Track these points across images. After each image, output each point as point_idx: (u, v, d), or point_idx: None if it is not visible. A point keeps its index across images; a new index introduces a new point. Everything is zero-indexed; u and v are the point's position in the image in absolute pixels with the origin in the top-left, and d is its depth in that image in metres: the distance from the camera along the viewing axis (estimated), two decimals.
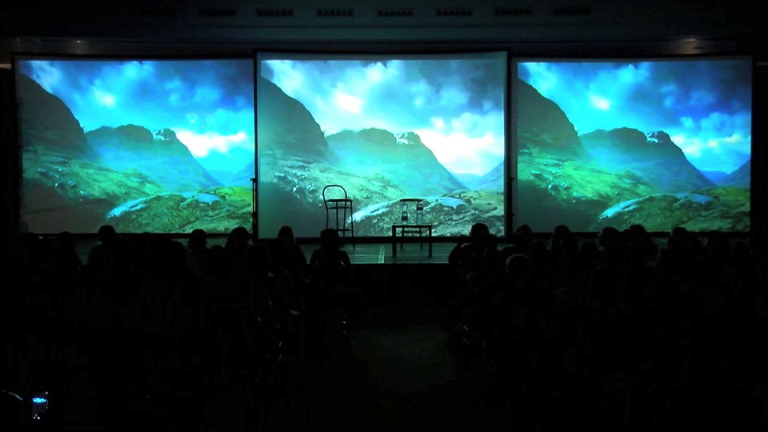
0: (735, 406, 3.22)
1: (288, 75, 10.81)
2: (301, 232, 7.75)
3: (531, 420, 3.94)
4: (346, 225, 9.99)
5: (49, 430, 3.13)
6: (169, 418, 3.57)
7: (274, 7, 10.12)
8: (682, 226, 8.32)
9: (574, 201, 11.08)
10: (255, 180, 10.63)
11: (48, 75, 11.03)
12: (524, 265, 5.06)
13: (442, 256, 9.08)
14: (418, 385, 5.64)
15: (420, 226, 9.66)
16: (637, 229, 7.07)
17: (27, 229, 10.48)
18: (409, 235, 9.72)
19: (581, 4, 10.10)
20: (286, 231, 7.22)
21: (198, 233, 7.07)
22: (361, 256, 9.26)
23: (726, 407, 3.23)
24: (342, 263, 7.05)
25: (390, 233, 10.33)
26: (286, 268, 6.13)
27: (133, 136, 11.12)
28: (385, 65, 10.80)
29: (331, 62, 10.81)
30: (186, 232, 10.47)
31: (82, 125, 11.08)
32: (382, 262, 8.97)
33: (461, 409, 5.16)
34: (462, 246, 7.24)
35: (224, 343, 4.15)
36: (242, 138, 11.11)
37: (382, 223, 10.86)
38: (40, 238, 6.81)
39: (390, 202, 10.89)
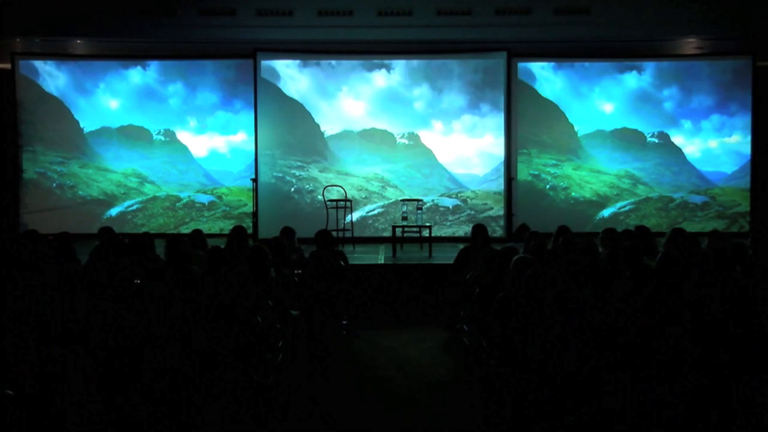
0: (735, 407, 3.22)
1: (292, 78, 10.81)
2: (300, 232, 7.76)
3: (530, 420, 3.94)
4: (346, 225, 9.98)
5: (48, 430, 3.13)
6: (169, 418, 3.57)
7: (274, 7, 10.12)
8: (678, 226, 8.30)
9: (572, 201, 11.08)
10: (255, 180, 10.63)
11: (52, 77, 11.02)
12: (528, 266, 5.05)
13: (442, 256, 9.09)
14: (418, 384, 5.64)
15: (420, 227, 9.66)
16: (642, 230, 7.07)
17: (27, 229, 10.47)
18: (409, 235, 9.72)
19: (581, 4, 10.10)
20: (287, 231, 7.23)
21: (196, 233, 7.07)
22: (361, 256, 9.26)
23: (726, 408, 3.23)
24: (342, 263, 7.05)
25: (385, 233, 10.35)
26: (286, 268, 6.13)
27: (132, 136, 11.12)
28: (388, 71, 10.80)
29: (336, 66, 10.82)
30: (181, 232, 10.47)
31: (82, 125, 11.08)
32: (382, 262, 8.97)
33: (461, 409, 5.16)
34: (462, 249, 7.25)
35: (224, 343, 4.15)
36: (242, 138, 11.11)
37: (377, 224, 10.85)
38: (50, 237, 6.82)
39: (386, 202, 10.89)
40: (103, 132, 11.12)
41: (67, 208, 11.07)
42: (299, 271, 6.64)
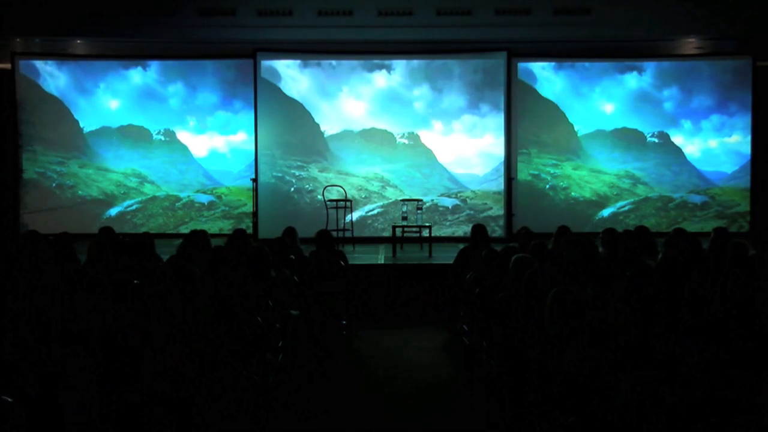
0: (735, 408, 3.22)
1: (292, 78, 10.81)
2: (300, 232, 7.77)
3: (530, 420, 3.94)
4: (346, 225, 9.98)
5: (48, 430, 3.13)
6: (169, 418, 3.57)
7: (274, 7, 10.12)
8: (677, 226, 8.31)
9: (572, 201, 11.08)
10: (255, 180, 10.63)
11: (52, 77, 11.02)
12: (528, 266, 5.04)
13: (442, 256, 9.09)
14: (418, 384, 5.64)
15: (420, 227, 9.66)
16: (641, 230, 7.07)
17: (27, 229, 10.47)
18: (409, 235, 9.72)
19: (581, 4, 10.10)
20: (289, 232, 7.24)
21: (200, 233, 7.06)
22: (361, 256, 9.26)
23: (726, 408, 3.23)
24: (342, 263, 7.06)
25: (385, 233, 10.35)
26: (287, 269, 6.13)
27: (132, 136, 11.12)
28: (389, 71, 10.80)
29: (337, 67, 10.82)
30: (181, 232, 10.46)
31: (82, 125, 11.08)
32: (382, 262, 8.97)
33: (461, 409, 5.16)
34: (462, 249, 7.25)
35: (224, 343, 4.15)
36: (242, 138, 11.11)
37: (376, 224, 10.85)
38: (50, 237, 6.81)
39: (385, 202, 10.89)
40: (103, 132, 11.11)
41: (67, 208, 11.07)
42: (297, 270, 6.63)
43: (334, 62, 10.83)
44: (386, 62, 10.83)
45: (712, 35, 10.34)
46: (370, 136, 10.90)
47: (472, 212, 10.85)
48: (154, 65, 11.07)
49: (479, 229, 7.19)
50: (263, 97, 10.71)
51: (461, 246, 7.90)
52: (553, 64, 10.98)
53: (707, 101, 10.98)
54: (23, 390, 3.13)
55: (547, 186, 11.09)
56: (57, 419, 3.17)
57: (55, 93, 11.03)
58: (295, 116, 10.85)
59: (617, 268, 5.02)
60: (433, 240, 9.56)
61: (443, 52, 10.74)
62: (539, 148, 11.04)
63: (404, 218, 9.73)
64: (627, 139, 11.05)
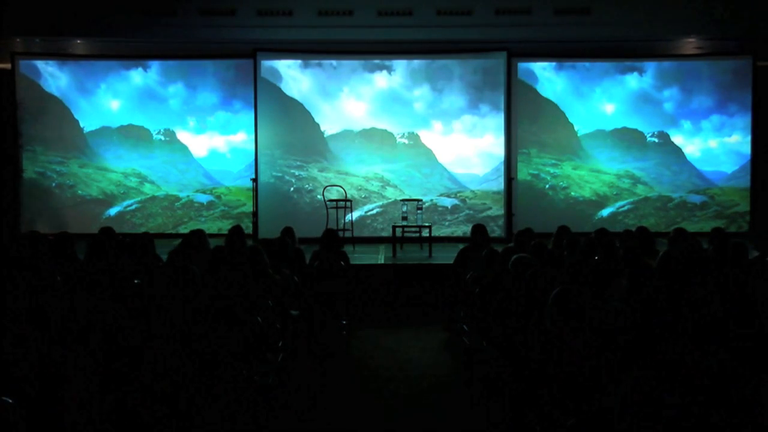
0: (735, 407, 3.22)
1: (294, 78, 10.81)
2: (300, 232, 7.78)
3: (530, 420, 3.94)
4: (346, 225, 9.98)
5: (48, 430, 3.13)
6: (169, 418, 3.57)
7: (274, 7, 10.11)
8: (676, 226, 8.31)
9: (571, 201, 11.07)
10: (255, 180, 10.63)
11: (53, 78, 11.01)
12: (528, 266, 5.05)
13: (442, 256, 9.09)
14: (417, 384, 5.64)
15: (420, 227, 9.66)
16: (642, 230, 7.07)
17: (27, 229, 10.47)
18: (409, 235, 9.72)
19: (581, 4, 10.09)
20: (287, 231, 7.23)
21: (199, 233, 7.06)
22: (361, 256, 9.26)
23: (726, 408, 3.23)
24: (342, 263, 7.05)
25: (384, 233, 10.35)
26: (286, 269, 6.13)
27: (132, 135, 11.11)
28: (389, 72, 10.80)
29: (338, 67, 10.81)
30: (180, 232, 10.46)
31: (82, 125, 11.08)
32: (382, 262, 8.97)
33: (461, 409, 5.16)
34: (462, 249, 7.25)
35: (224, 343, 4.15)
36: (242, 138, 11.10)
37: (376, 224, 10.84)
38: (50, 237, 6.79)
39: (385, 202, 10.88)
40: (103, 132, 11.10)
41: (67, 207, 11.07)
42: (297, 270, 6.63)
43: (334, 62, 10.83)
44: (387, 62, 10.83)
45: (712, 35, 10.33)
46: (370, 136, 10.90)
47: (471, 212, 10.85)
48: (155, 65, 11.06)
49: (479, 229, 7.18)
50: (263, 97, 10.71)
51: (461, 246, 7.90)
52: (553, 64, 10.98)
53: (707, 101, 10.98)
54: (23, 390, 3.13)
55: (547, 186, 11.09)
56: (57, 419, 3.17)
57: (55, 93, 11.03)
58: (295, 116, 10.85)
59: (617, 268, 5.02)
60: (432, 240, 9.56)
61: (443, 52, 10.73)
62: (539, 148, 11.04)
63: (404, 218, 9.73)
64: (627, 139, 11.04)
